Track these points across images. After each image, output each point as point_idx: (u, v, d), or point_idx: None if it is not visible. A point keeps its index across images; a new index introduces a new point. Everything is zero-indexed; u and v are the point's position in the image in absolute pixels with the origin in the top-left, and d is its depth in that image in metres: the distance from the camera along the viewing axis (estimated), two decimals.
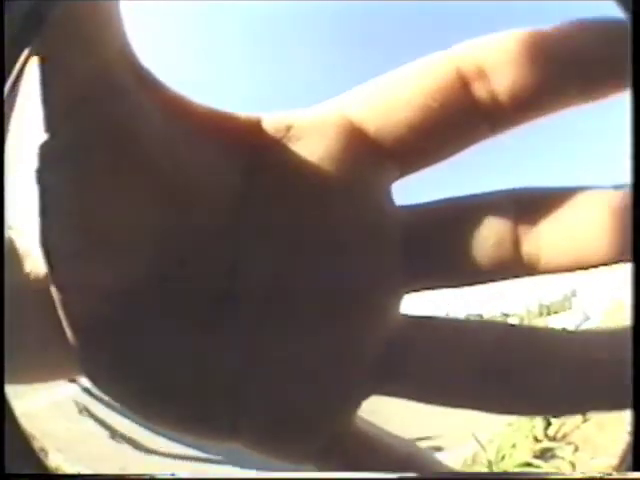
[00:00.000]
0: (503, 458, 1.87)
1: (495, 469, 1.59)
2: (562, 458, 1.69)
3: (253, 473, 0.90)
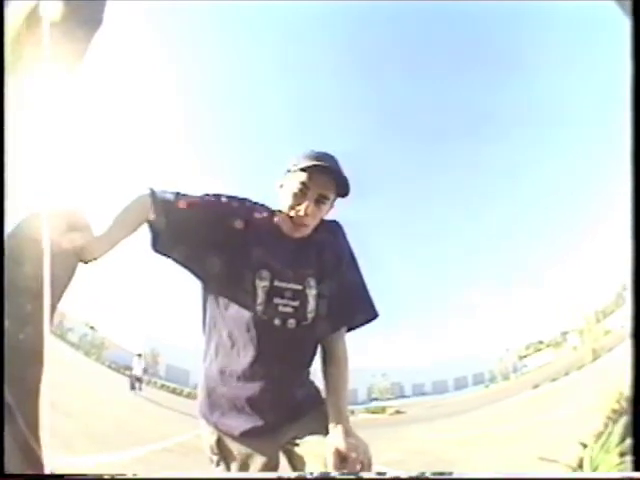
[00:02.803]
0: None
1: None
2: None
3: (253, 473, 0.88)
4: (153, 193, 1.05)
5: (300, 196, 1.06)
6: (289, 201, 1.07)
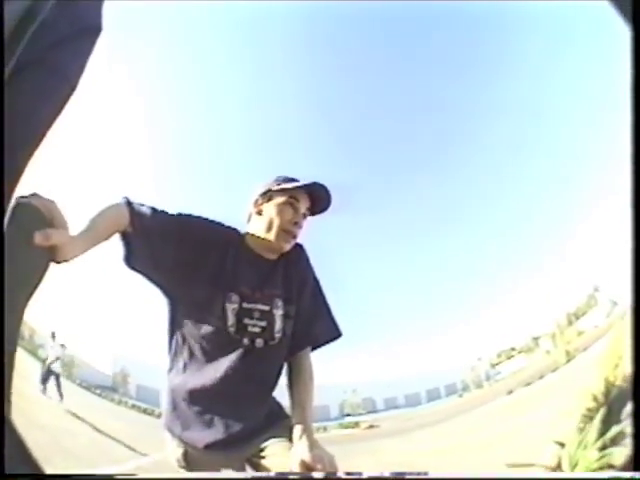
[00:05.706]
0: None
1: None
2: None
3: (252, 473, 0.84)
4: (130, 204, 1.02)
5: (293, 211, 1.15)
6: (281, 217, 1.15)
